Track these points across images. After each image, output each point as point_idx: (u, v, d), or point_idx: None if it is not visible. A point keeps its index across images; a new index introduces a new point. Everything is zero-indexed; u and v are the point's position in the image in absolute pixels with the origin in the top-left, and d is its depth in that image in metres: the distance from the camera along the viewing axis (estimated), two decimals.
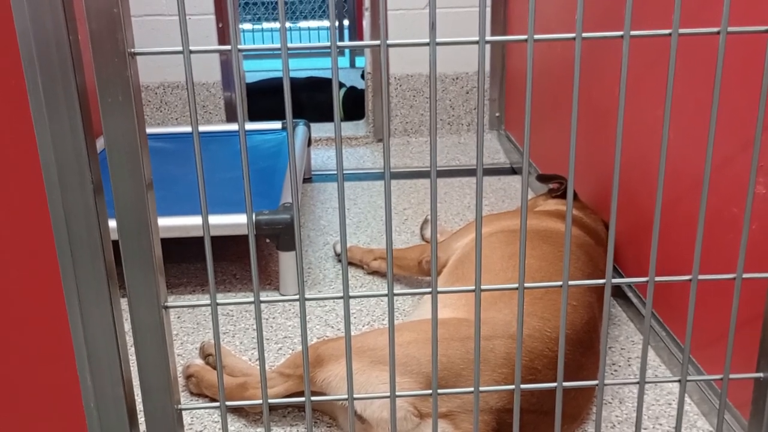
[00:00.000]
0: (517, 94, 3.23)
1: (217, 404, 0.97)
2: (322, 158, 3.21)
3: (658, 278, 0.96)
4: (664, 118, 0.88)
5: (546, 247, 1.55)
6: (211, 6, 3.20)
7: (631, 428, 1.39)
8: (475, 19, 3.20)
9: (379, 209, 2.58)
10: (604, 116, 1.99)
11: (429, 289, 0.93)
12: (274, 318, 1.85)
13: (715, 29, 0.86)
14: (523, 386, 0.98)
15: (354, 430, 0.97)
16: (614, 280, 0.96)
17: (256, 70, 4.96)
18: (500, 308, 1.34)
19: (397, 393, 0.98)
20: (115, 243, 0.88)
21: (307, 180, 2.93)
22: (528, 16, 0.82)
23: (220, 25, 3.24)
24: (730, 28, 0.85)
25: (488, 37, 0.83)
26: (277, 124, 2.83)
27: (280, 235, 1.88)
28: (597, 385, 1.00)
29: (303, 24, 7.56)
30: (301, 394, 1.27)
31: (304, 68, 5.20)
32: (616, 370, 1.59)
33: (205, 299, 1.94)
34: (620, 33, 0.85)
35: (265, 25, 7.48)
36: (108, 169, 0.85)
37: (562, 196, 1.96)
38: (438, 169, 3.01)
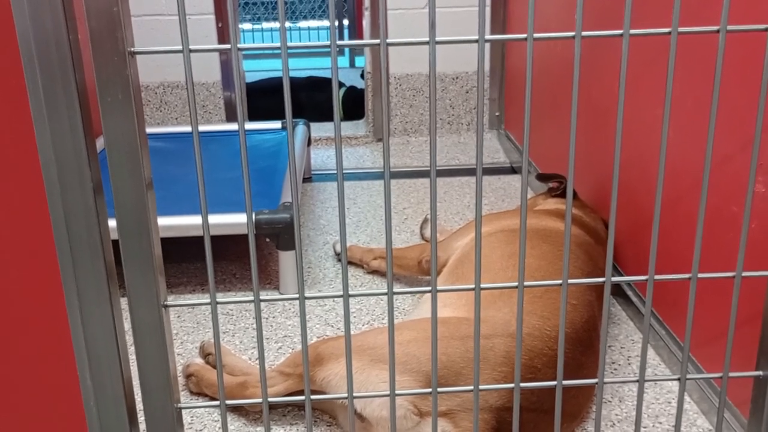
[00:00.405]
0: (516, 93, 3.23)
1: (217, 403, 0.97)
2: (322, 158, 3.21)
3: (657, 277, 0.96)
4: (663, 117, 0.88)
5: (545, 246, 1.55)
6: (211, 6, 3.20)
7: (631, 427, 1.39)
8: (474, 18, 3.21)
9: (379, 208, 2.58)
10: (603, 115, 1.99)
11: (429, 288, 0.93)
12: (274, 317, 1.85)
13: (715, 27, 0.86)
14: (522, 385, 0.98)
15: (354, 428, 0.97)
16: (614, 279, 0.96)
17: (255, 70, 4.96)
18: (500, 307, 1.34)
19: (396, 391, 0.98)
20: (115, 242, 0.88)
21: (307, 179, 2.93)
22: (528, 15, 0.82)
23: (220, 25, 3.25)
24: (730, 27, 0.85)
25: (488, 36, 0.83)
26: (276, 124, 2.83)
27: (279, 234, 1.88)
28: (597, 383, 1.00)
29: (303, 24, 7.57)
30: (301, 393, 1.27)
31: (303, 68, 5.20)
32: (615, 369, 1.59)
33: (205, 299, 1.94)
34: (620, 32, 0.85)
35: (265, 24, 7.48)
36: (108, 168, 0.85)
37: (562, 195, 1.96)
38: (438, 168, 3.01)
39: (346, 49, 6.11)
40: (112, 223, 0.87)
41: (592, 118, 2.06)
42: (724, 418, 1.29)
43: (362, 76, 3.71)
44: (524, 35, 0.84)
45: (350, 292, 0.92)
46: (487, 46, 3.33)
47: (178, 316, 1.86)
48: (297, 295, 0.92)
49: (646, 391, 1.50)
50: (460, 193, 2.73)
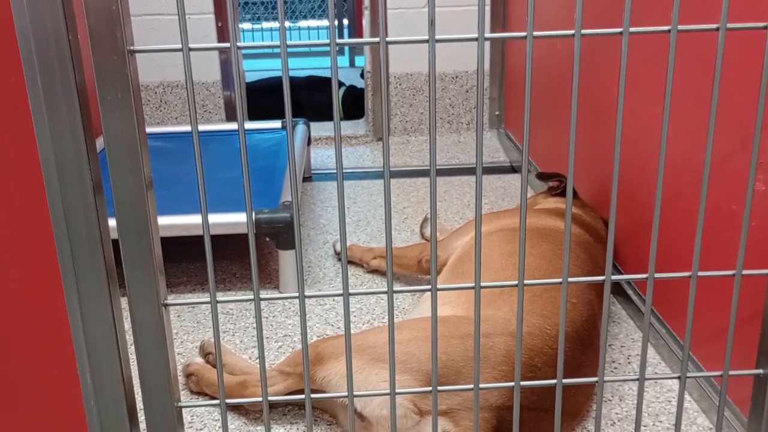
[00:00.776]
0: (516, 92, 3.23)
1: (217, 402, 0.97)
2: (322, 157, 3.21)
3: (657, 275, 0.96)
4: (663, 115, 0.88)
5: (545, 245, 1.55)
6: (211, 5, 3.20)
7: (631, 425, 1.39)
8: (474, 17, 3.20)
9: (379, 208, 2.58)
10: (603, 114, 1.99)
11: (429, 287, 0.93)
12: (274, 316, 1.85)
13: (714, 26, 0.86)
14: (522, 383, 0.98)
15: (354, 428, 0.97)
16: (614, 277, 0.96)
17: (255, 70, 4.96)
18: (500, 306, 1.34)
19: (397, 390, 0.98)
20: (115, 242, 0.88)
21: (307, 179, 2.93)
22: (527, 14, 0.82)
23: (220, 25, 3.25)
24: (729, 25, 0.85)
25: (487, 34, 0.83)
26: (276, 123, 2.83)
27: (279, 233, 1.88)
28: (597, 382, 1.00)
29: (303, 23, 7.57)
30: (301, 392, 1.27)
31: (303, 67, 5.20)
32: (615, 368, 1.59)
33: (205, 298, 1.94)
34: (619, 30, 0.85)
35: (265, 24, 7.49)
36: (108, 167, 0.85)
37: (562, 194, 1.96)
38: (438, 167, 3.01)
39: (346, 49, 6.11)
40: (112, 222, 0.87)
41: (591, 116, 2.06)
42: (724, 417, 1.29)
43: (362, 75, 3.71)
44: (524, 33, 0.84)
45: (350, 291, 0.92)
46: (487, 45, 3.33)
47: (178, 316, 1.86)
48: (297, 294, 0.92)
49: (647, 389, 1.50)
50: (460, 192, 2.73)
